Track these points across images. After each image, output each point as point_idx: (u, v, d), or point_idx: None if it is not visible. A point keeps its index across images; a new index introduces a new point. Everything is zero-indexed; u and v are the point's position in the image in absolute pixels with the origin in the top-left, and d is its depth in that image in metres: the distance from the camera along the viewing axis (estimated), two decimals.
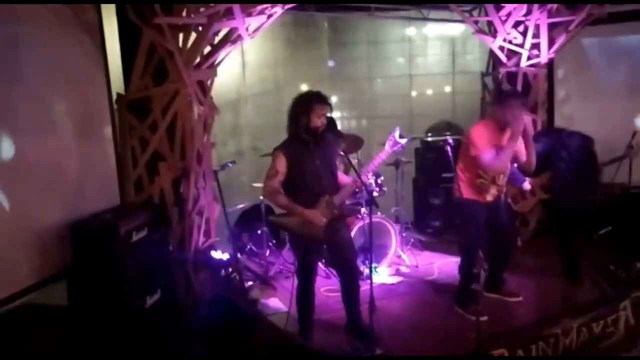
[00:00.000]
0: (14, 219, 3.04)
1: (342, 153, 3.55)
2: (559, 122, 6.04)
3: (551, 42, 5.22)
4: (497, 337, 2.88)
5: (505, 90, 4.68)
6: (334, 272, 4.20)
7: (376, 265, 4.78)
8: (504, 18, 5.05)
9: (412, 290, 4.53)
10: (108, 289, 3.26)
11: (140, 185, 4.00)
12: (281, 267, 4.98)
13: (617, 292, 3.71)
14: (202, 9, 3.70)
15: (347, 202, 4.52)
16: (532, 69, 5.41)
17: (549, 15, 4.98)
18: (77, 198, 3.53)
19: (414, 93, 6.81)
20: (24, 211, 3.12)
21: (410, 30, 6.70)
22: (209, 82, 4.18)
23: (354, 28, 6.55)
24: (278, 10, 4.09)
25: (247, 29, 4.01)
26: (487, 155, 3.68)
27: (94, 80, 3.79)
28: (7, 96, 3.01)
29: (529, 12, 4.95)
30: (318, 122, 3.29)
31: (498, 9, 5.03)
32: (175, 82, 3.82)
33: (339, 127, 3.58)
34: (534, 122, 5.42)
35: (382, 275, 4.79)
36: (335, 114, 6.29)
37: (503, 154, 3.69)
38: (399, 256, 5.11)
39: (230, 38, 4.04)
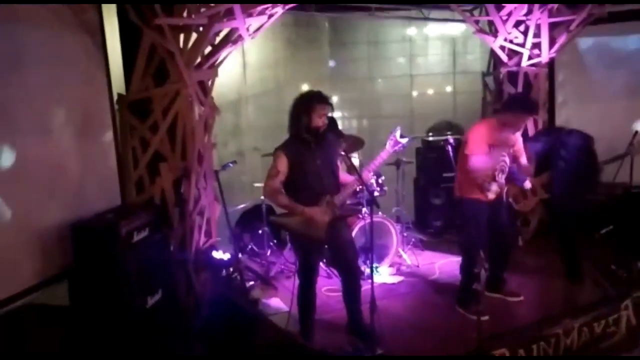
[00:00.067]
0: (15, 219, 3.04)
1: (343, 153, 3.56)
2: (559, 123, 6.03)
3: (552, 42, 5.22)
4: (498, 337, 2.88)
5: (522, 98, 4.62)
6: (335, 272, 4.20)
7: (377, 265, 4.78)
8: (504, 18, 5.05)
9: (413, 290, 4.53)
10: (109, 289, 3.26)
11: (141, 185, 4.00)
12: (282, 267, 4.99)
13: (619, 291, 3.71)
14: (202, 10, 3.70)
15: (348, 202, 4.53)
16: (533, 68, 5.40)
17: (550, 15, 4.98)
18: (78, 198, 3.53)
19: (414, 93, 6.81)
20: (25, 211, 3.13)
21: (411, 30, 6.70)
22: (209, 83, 4.18)
23: (355, 28, 6.55)
24: (279, 10, 4.10)
25: (247, 29, 4.01)
26: (475, 159, 3.71)
27: (94, 80, 3.79)
28: (8, 97, 3.02)
29: (529, 12, 4.95)
30: (319, 122, 3.29)
31: (499, 9, 5.02)
32: (176, 82, 3.82)
33: (339, 127, 3.58)
34: (535, 122, 5.42)
35: (383, 275, 4.79)
36: (336, 114, 6.29)
37: (489, 161, 3.71)
38: (400, 256, 5.11)
39: (231, 38, 4.04)
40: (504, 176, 3.89)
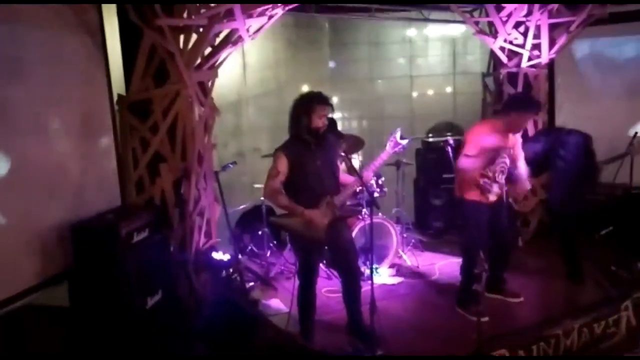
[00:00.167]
0: (15, 220, 3.05)
1: (343, 154, 3.56)
2: (559, 124, 6.03)
3: (552, 43, 5.22)
4: (498, 337, 2.88)
5: (524, 97, 4.62)
6: (335, 273, 4.20)
7: (377, 266, 4.77)
8: (504, 19, 5.05)
9: (413, 291, 4.53)
10: (109, 289, 3.26)
11: (141, 186, 4.00)
12: (282, 267, 4.98)
13: (619, 292, 3.71)
14: (203, 10, 3.70)
15: (348, 202, 4.53)
16: (533, 69, 5.40)
17: (550, 16, 4.98)
18: (78, 199, 3.53)
19: (414, 94, 6.81)
20: (25, 212, 3.13)
21: (411, 31, 6.70)
22: (209, 83, 4.19)
23: (355, 29, 6.55)
24: (279, 11, 4.10)
25: (247, 30, 4.01)
26: (464, 160, 3.74)
27: (95, 81, 3.79)
28: (8, 97, 3.02)
29: (529, 13, 4.95)
30: (319, 122, 3.29)
31: (499, 10, 5.03)
32: (176, 83, 3.83)
33: (339, 128, 3.59)
34: (535, 123, 5.42)
35: (383, 276, 4.78)
36: (337, 115, 6.30)
37: (477, 162, 3.74)
38: (400, 257, 5.10)
39: (231, 39, 4.04)
40: (504, 177, 3.89)
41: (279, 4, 4.00)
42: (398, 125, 3.51)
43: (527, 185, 4.05)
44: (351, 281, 3.55)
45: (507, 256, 4.19)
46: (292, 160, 3.29)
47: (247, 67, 5.82)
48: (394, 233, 4.91)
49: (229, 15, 3.79)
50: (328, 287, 4.48)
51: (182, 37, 3.78)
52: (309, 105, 3.28)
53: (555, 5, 4.93)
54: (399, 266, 5.01)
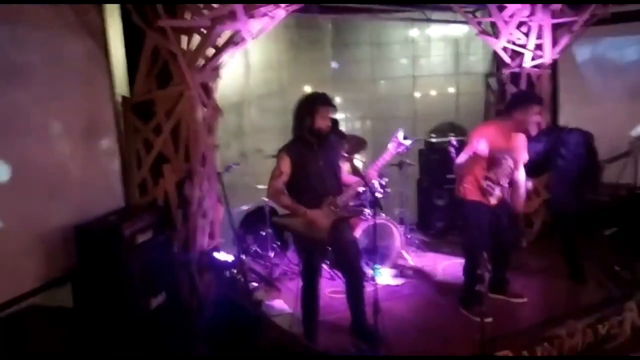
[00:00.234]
0: (19, 221, 3.06)
1: (346, 154, 3.56)
2: (562, 124, 6.02)
3: (555, 43, 5.21)
4: (501, 338, 2.87)
5: (526, 93, 4.62)
6: (339, 273, 4.20)
7: (380, 266, 4.77)
8: (507, 19, 5.04)
9: (416, 292, 4.53)
10: (113, 291, 3.27)
11: (144, 187, 4.01)
12: (285, 268, 4.99)
13: (623, 293, 3.70)
14: (205, 12, 3.71)
15: (351, 203, 4.53)
16: (536, 69, 5.39)
17: (553, 16, 4.97)
18: (81, 200, 3.54)
19: (417, 94, 6.79)
20: (29, 214, 3.14)
21: (414, 32, 6.69)
22: (212, 85, 4.19)
23: (357, 29, 6.55)
24: (281, 12, 4.10)
25: (250, 31, 4.01)
26: (462, 155, 3.75)
27: (98, 82, 3.80)
28: (11, 99, 3.03)
29: (532, 13, 4.94)
30: (322, 124, 3.29)
31: (501, 10, 5.02)
32: (179, 84, 3.83)
33: (342, 128, 3.60)
34: (539, 124, 5.40)
35: (386, 276, 4.78)
36: (339, 115, 6.27)
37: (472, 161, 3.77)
38: (403, 257, 5.10)
39: (234, 40, 4.04)
40: (507, 180, 3.88)
41: (281, 5, 4.00)
42: (401, 125, 3.51)
43: (524, 193, 4.04)
44: (354, 281, 3.55)
45: (507, 256, 4.18)
46: (294, 160, 3.30)
47: (249, 68, 5.82)
48: (397, 234, 4.91)
49: (232, 16, 3.79)
50: (332, 287, 4.49)
51: (184, 39, 3.79)
52: (312, 106, 3.29)
53: (558, 5, 4.92)
54: (402, 267, 5.01)
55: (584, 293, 4.29)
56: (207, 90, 4.13)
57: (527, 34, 5.16)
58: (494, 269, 4.10)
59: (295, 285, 3.67)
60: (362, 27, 6.50)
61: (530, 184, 4.34)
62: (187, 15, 3.72)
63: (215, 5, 3.71)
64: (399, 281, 4.72)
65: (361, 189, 3.94)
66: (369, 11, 5.92)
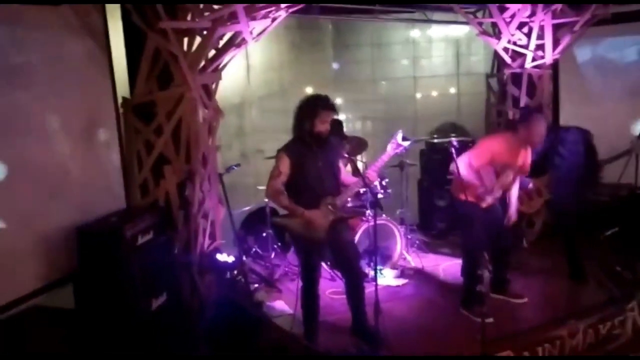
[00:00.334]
0: (20, 222, 3.06)
1: (347, 155, 3.57)
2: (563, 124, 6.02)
3: (556, 43, 5.21)
4: (502, 338, 2.87)
5: (530, 110, 4.63)
6: (339, 274, 4.20)
7: (381, 267, 4.77)
8: (508, 19, 5.04)
9: (417, 292, 4.53)
10: (114, 291, 3.27)
11: (145, 188, 4.02)
12: (286, 269, 4.99)
13: (624, 293, 3.70)
14: (206, 13, 3.71)
15: (351, 204, 4.53)
16: (537, 70, 5.40)
17: (554, 16, 4.97)
18: (83, 202, 3.55)
19: (418, 95, 6.80)
20: (31, 215, 3.14)
21: (415, 32, 6.70)
22: (213, 86, 4.20)
23: (358, 30, 6.55)
24: (282, 13, 4.11)
25: (251, 33, 4.02)
26: (470, 172, 3.74)
27: (99, 84, 3.81)
28: (12, 99, 3.04)
29: (533, 13, 4.94)
30: (322, 127, 3.30)
31: (502, 11, 5.02)
32: (180, 85, 3.84)
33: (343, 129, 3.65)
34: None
35: (387, 277, 4.78)
36: (340, 116, 6.28)
37: (477, 178, 3.77)
38: (404, 258, 5.10)
39: (235, 42, 4.05)
40: (500, 192, 3.91)
41: (282, 6, 4.01)
42: (401, 126, 3.52)
43: (515, 209, 4.07)
44: (354, 282, 3.55)
45: (507, 257, 4.18)
46: (294, 161, 3.31)
47: (250, 69, 5.83)
48: (398, 234, 4.91)
49: (233, 17, 3.80)
50: (332, 288, 4.49)
51: (185, 40, 3.80)
52: (313, 109, 3.30)
53: (559, 6, 4.92)
54: (403, 267, 5.01)
55: (585, 293, 4.29)
56: (208, 91, 4.14)
57: (528, 35, 5.16)
58: (495, 269, 4.12)
59: (296, 286, 3.67)
60: (363, 28, 6.50)
61: (530, 184, 4.35)
62: (188, 17, 3.73)
63: (216, 7, 3.71)
64: (399, 282, 4.72)
65: (362, 189, 3.95)
66: (369, 12, 5.92)
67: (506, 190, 4.02)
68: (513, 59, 5.43)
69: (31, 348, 2.78)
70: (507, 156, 3.81)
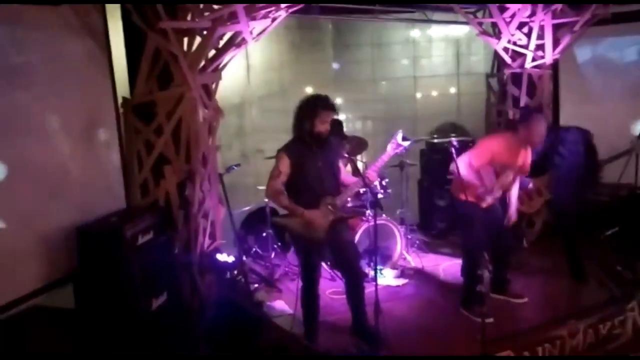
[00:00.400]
0: (20, 222, 3.06)
1: (347, 155, 3.57)
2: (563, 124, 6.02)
3: (556, 43, 5.21)
4: (502, 338, 2.87)
5: (529, 111, 4.64)
6: (339, 274, 4.20)
7: (381, 267, 4.77)
8: (508, 19, 5.04)
9: (417, 292, 4.53)
10: (114, 291, 3.27)
11: (146, 188, 4.02)
12: (286, 269, 4.99)
13: (624, 292, 3.70)
14: (206, 13, 3.71)
15: (351, 203, 4.53)
16: (537, 70, 5.40)
17: (554, 16, 4.97)
18: (83, 202, 3.55)
19: (418, 95, 6.80)
20: (31, 215, 3.14)
21: (415, 32, 6.70)
22: (213, 86, 4.20)
23: (358, 30, 6.55)
24: (282, 13, 4.11)
25: (251, 33, 4.02)
26: (470, 172, 3.72)
27: (99, 84, 3.81)
28: (13, 99, 3.03)
29: (533, 13, 4.94)
30: (322, 128, 3.30)
31: (502, 10, 5.02)
32: (180, 85, 3.84)
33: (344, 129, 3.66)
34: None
35: (388, 277, 4.78)
36: (340, 116, 6.28)
37: (477, 178, 3.76)
38: (404, 258, 5.10)
39: (235, 42, 4.05)
40: (500, 192, 3.91)
41: (282, 6, 4.01)
42: (402, 126, 3.52)
43: (515, 209, 4.06)
44: (353, 281, 3.56)
45: (507, 257, 4.18)
46: (293, 160, 3.31)
47: (250, 69, 5.83)
48: (398, 234, 4.91)
49: (233, 17, 3.80)
50: (332, 288, 4.49)
51: (185, 40, 3.80)
52: (313, 109, 3.30)
53: (559, 6, 4.92)
54: (404, 267, 5.01)
55: (585, 293, 4.29)
56: (208, 91, 4.14)
57: (528, 35, 5.16)
58: (495, 269, 4.12)
59: (296, 286, 3.67)
60: (363, 28, 6.50)
61: (530, 185, 4.35)
62: (188, 17, 3.73)
63: (216, 7, 3.71)
64: (400, 282, 4.72)
65: (362, 189, 3.95)
66: (369, 12, 5.93)
67: (506, 190, 4.02)
68: (513, 58, 5.43)
69: (31, 348, 2.78)
70: (507, 156, 3.81)
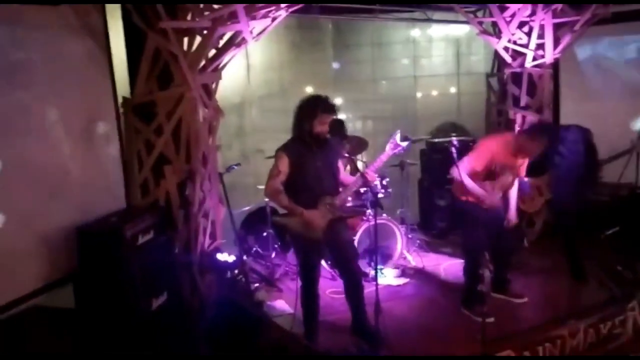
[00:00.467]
0: (20, 222, 3.06)
1: (347, 155, 3.56)
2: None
3: (556, 42, 5.20)
4: (503, 338, 2.87)
5: (541, 126, 4.63)
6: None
7: (382, 266, 4.77)
8: (508, 19, 5.03)
9: (418, 292, 4.53)
10: (114, 291, 3.27)
11: (146, 188, 4.02)
12: (287, 269, 4.99)
13: (624, 292, 3.70)
14: (206, 13, 3.71)
15: (351, 203, 4.53)
16: (537, 69, 5.39)
17: (554, 16, 4.96)
18: (83, 202, 3.54)
19: (418, 94, 6.80)
20: (31, 215, 3.14)
21: (415, 32, 6.70)
22: (213, 86, 4.20)
23: (358, 30, 6.55)
24: (282, 13, 4.11)
25: (251, 32, 4.02)
26: (469, 180, 3.72)
27: (99, 83, 3.80)
28: (13, 99, 3.03)
29: (533, 13, 4.93)
30: (321, 128, 3.31)
31: (502, 10, 5.01)
32: (180, 85, 3.84)
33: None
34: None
35: (388, 276, 4.78)
36: (340, 116, 6.29)
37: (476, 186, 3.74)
38: (405, 258, 5.10)
39: (235, 41, 4.05)
40: (500, 193, 3.91)
41: (282, 6, 4.01)
42: (402, 125, 3.52)
43: (515, 209, 4.06)
44: (352, 281, 3.56)
45: (508, 257, 4.18)
46: (293, 160, 3.31)
47: (250, 69, 5.83)
48: (399, 234, 4.90)
49: (233, 17, 3.80)
50: (332, 288, 4.49)
51: (185, 40, 3.79)
52: (313, 110, 3.30)
53: (559, 5, 4.91)
54: (404, 267, 5.01)
55: (585, 293, 4.29)
56: (208, 91, 4.13)
57: (528, 34, 5.15)
58: (495, 269, 4.12)
59: (296, 285, 3.66)
60: (363, 27, 6.51)
61: (529, 190, 4.35)
62: (188, 17, 3.72)
63: (216, 6, 3.71)
64: (400, 281, 4.72)
65: (362, 189, 3.94)
66: (370, 12, 5.92)
67: (506, 191, 4.01)
68: (513, 58, 5.42)
69: (31, 348, 2.78)
70: (507, 158, 3.81)
